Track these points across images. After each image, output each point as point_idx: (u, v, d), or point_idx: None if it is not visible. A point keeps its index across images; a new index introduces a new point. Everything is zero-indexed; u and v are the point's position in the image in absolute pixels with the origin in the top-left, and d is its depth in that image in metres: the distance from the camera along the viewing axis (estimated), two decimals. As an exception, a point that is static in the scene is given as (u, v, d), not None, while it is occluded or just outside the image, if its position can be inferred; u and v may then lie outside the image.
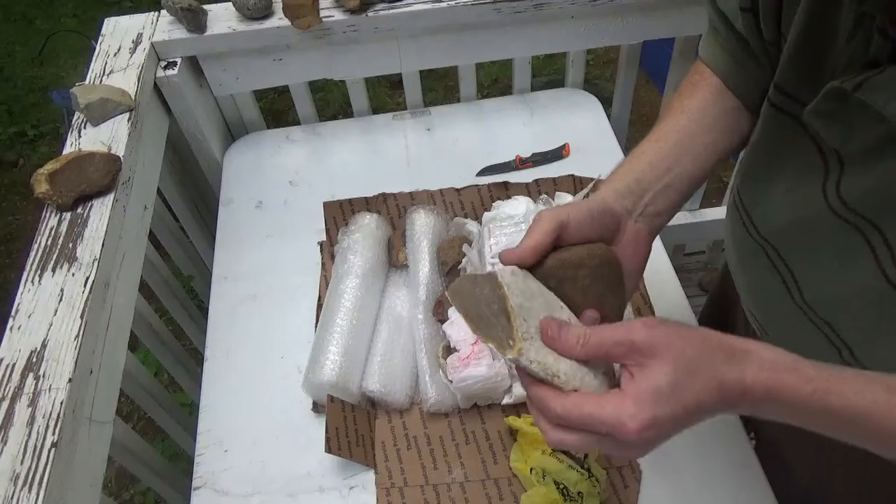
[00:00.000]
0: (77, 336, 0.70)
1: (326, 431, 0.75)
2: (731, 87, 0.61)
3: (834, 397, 0.40)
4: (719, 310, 0.85)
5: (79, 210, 0.81)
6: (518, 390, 0.79)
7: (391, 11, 1.00)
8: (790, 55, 0.47)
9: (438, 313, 0.85)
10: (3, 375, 0.67)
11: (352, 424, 0.78)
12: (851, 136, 0.41)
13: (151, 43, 1.00)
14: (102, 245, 0.77)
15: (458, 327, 0.82)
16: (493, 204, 0.95)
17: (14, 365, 0.68)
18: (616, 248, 0.55)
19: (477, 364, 0.77)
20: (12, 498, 0.59)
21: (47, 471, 0.61)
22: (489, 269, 0.84)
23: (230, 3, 1.01)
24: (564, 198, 0.93)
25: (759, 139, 0.54)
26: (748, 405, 0.42)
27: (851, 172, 0.43)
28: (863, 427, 0.40)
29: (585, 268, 0.51)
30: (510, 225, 0.87)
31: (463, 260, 0.88)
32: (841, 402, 0.40)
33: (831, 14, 0.43)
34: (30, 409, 0.65)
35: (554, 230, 0.50)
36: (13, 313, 0.72)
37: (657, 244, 0.98)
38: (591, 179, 0.97)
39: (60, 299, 0.73)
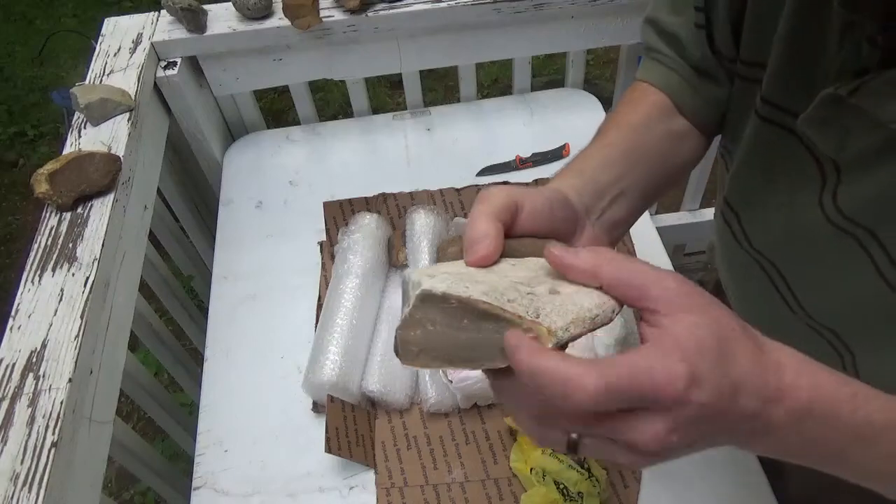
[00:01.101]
0: (77, 336, 0.70)
1: (326, 431, 0.75)
2: (682, 107, 0.58)
3: (873, 408, 0.35)
4: None
5: (79, 210, 0.81)
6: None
7: (391, 11, 1.00)
8: (777, 67, 0.46)
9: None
10: (3, 375, 0.67)
11: (352, 424, 0.78)
12: (847, 142, 0.40)
13: (151, 43, 1.00)
14: (102, 245, 0.77)
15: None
16: (493, 204, 0.95)
17: (14, 365, 0.68)
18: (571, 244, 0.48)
19: (477, 364, 0.77)
20: (12, 498, 0.59)
21: (47, 471, 0.61)
22: None
23: (230, 3, 1.01)
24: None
25: (751, 153, 0.52)
26: (781, 415, 0.35)
27: (848, 181, 0.42)
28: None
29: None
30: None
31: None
32: (883, 416, 0.36)
33: (818, 24, 0.42)
34: (30, 409, 0.65)
35: (507, 211, 0.41)
36: (13, 313, 0.72)
37: (657, 244, 0.98)
38: (591, 179, 0.97)
39: (60, 299, 0.73)
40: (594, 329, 0.35)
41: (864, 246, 0.43)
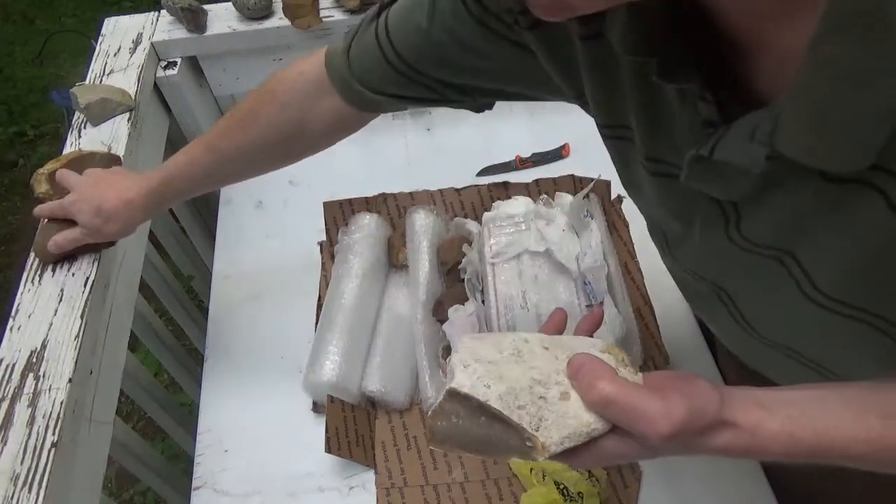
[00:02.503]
0: (77, 336, 0.70)
1: (326, 431, 0.75)
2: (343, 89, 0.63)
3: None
4: None
5: (79, 210, 0.81)
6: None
7: (391, 11, 1.00)
8: (641, 132, 0.48)
9: (438, 313, 0.85)
10: (3, 375, 0.67)
11: (352, 424, 0.78)
12: (731, 188, 0.41)
13: (151, 43, 1.00)
14: (102, 245, 0.77)
15: (458, 327, 0.82)
16: (493, 204, 0.95)
17: (14, 365, 0.68)
18: None
19: (477, 364, 0.77)
20: (12, 498, 0.59)
21: (47, 471, 0.61)
22: (488, 269, 0.84)
23: (230, 3, 1.01)
24: (564, 198, 0.93)
25: (663, 204, 0.53)
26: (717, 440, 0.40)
27: (746, 214, 0.44)
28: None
29: None
30: (510, 225, 0.87)
31: (463, 260, 0.88)
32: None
33: (656, 91, 0.43)
34: (30, 409, 0.65)
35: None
36: (13, 313, 0.72)
37: (657, 244, 0.98)
38: (591, 179, 0.97)
39: (60, 299, 0.73)
40: (589, 440, 0.40)
41: (783, 263, 0.43)
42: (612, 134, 0.53)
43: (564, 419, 0.40)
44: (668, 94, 0.43)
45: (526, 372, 0.42)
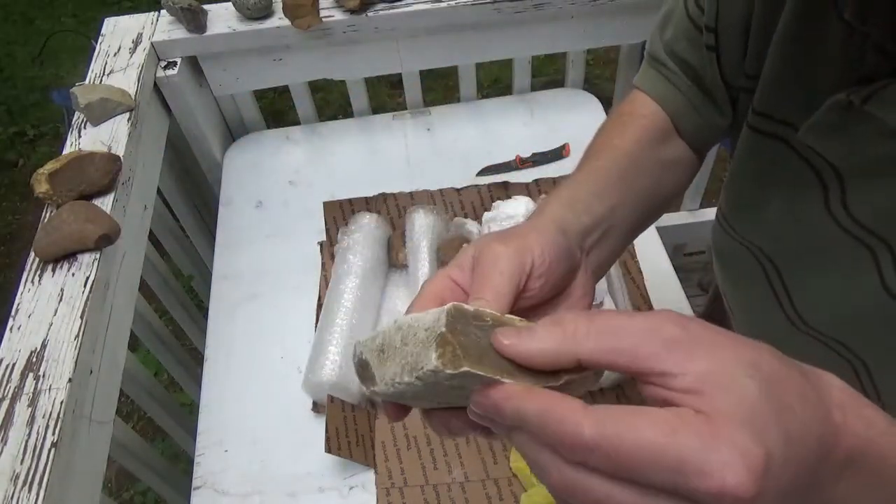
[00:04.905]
0: (77, 336, 0.70)
1: (326, 431, 0.75)
2: (681, 128, 0.56)
3: None
4: (720, 311, 0.85)
5: (79, 210, 0.81)
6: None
7: (391, 11, 1.00)
8: (771, 77, 0.45)
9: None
10: (3, 375, 0.67)
11: (352, 424, 0.78)
12: (856, 149, 0.39)
13: (151, 43, 1.00)
14: (102, 245, 0.77)
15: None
16: (493, 204, 0.95)
17: (14, 365, 0.68)
18: (567, 294, 0.41)
19: (477, 364, 0.77)
20: (12, 498, 0.59)
21: (47, 471, 0.61)
22: None
23: (230, 3, 1.01)
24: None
25: (743, 166, 0.51)
26: (835, 462, 0.26)
27: (857, 187, 0.41)
28: None
29: None
30: (510, 225, 0.87)
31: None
32: None
33: (816, 33, 0.41)
34: (30, 409, 0.65)
35: (519, 279, 0.35)
36: (13, 313, 0.72)
37: (657, 244, 0.98)
38: (591, 179, 0.97)
39: (60, 299, 0.73)
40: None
41: (873, 252, 0.41)
42: (746, 85, 0.49)
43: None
44: (831, 38, 0.39)
45: None
